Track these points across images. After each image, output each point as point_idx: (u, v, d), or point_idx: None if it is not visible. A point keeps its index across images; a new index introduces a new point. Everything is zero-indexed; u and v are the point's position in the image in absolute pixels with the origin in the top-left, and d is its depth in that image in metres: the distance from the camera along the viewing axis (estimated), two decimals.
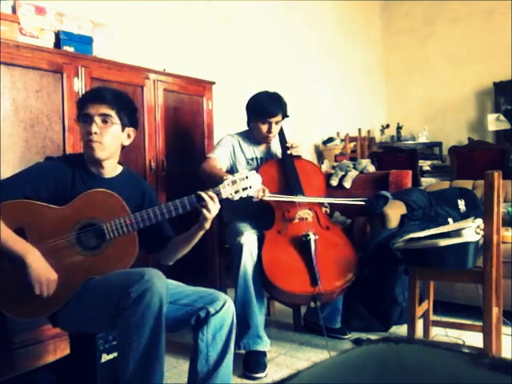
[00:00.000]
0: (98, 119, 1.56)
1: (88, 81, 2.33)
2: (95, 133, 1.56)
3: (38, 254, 1.46)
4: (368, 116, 6.01)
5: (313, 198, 2.43)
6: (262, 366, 2.12)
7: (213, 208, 1.58)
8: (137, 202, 1.70)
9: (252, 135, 2.57)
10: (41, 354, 2.09)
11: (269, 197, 2.21)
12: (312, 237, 2.22)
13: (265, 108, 2.44)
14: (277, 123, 2.47)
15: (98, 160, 1.60)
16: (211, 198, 1.57)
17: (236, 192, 1.61)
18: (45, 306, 1.50)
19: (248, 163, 2.52)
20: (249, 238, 2.22)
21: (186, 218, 1.68)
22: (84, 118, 1.57)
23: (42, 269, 1.45)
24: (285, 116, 2.50)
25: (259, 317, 2.20)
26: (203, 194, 1.57)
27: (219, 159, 2.44)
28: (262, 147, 2.59)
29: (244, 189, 1.61)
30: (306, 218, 2.36)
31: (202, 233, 1.66)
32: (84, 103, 1.59)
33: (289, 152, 2.47)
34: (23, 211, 1.47)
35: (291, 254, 2.25)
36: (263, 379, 2.06)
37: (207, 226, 1.63)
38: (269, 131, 2.46)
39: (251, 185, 1.62)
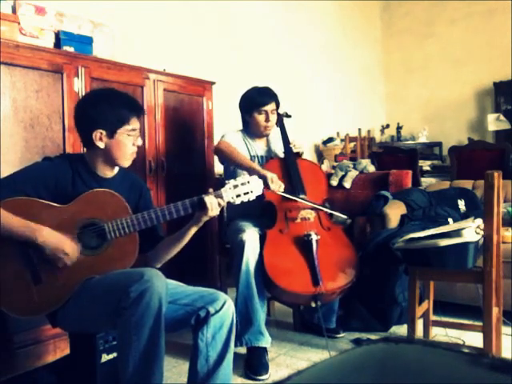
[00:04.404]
0: None
1: (88, 81, 2.33)
2: None
3: (46, 229, 1.46)
4: (368, 116, 6.01)
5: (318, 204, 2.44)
6: (264, 367, 2.12)
7: (213, 213, 1.59)
8: (134, 201, 1.71)
9: (250, 132, 2.58)
10: (41, 354, 2.09)
11: (282, 193, 2.26)
12: (314, 237, 2.22)
13: (258, 98, 2.50)
14: (272, 112, 2.51)
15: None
16: (219, 203, 1.59)
17: (237, 196, 1.62)
18: (45, 305, 1.50)
19: (251, 159, 2.53)
20: (251, 235, 2.22)
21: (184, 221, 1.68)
22: (132, 132, 1.62)
23: (55, 242, 1.46)
24: (278, 105, 2.55)
25: (261, 313, 2.21)
26: (206, 200, 1.57)
27: (232, 143, 2.47)
28: (262, 144, 2.61)
29: (245, 193, 1.62)
30: (308, 218, 2.36)
31: (195, 229, 1.66)
32: (132, 116, 1.60)
33: (295, 151, 2.49)
34: (25, 209, 1.47)
35: (293, 254, 2.25)
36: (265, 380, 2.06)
37: (202, 223, 1.64)
38: (267, 120, 2.50)
39: (252, 189, 1.63)
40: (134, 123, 1.61)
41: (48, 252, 1.46)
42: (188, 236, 1.67)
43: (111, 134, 1.58)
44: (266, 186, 2.20)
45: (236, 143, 2.49)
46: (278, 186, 2.22)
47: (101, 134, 1.57)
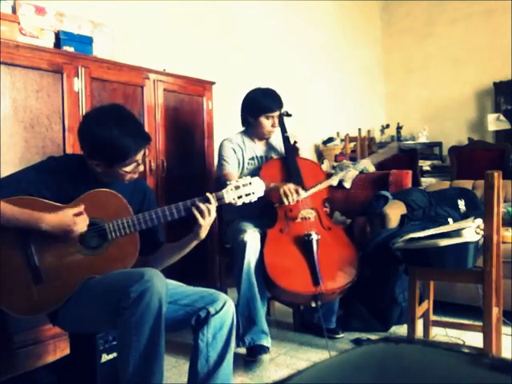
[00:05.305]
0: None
1: (88, 81, 2.33)
2: None
3: (47, 215, 1.45)
4: (368, 116, 6.01)
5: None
6: (264, 349, 2.18)
7: (207, 218, 1.58)
8: (138, 203, 1.70)
9: (251, 133, 2.57)
10: (41, 354, 2.09)
11: (305, 195, 2.26)
12: (314, 237, 2.22)
13: (269, 104, 2.46)
14: (278, 117, 2.50)
15: None
16: (208, 209, 1.57)
17: (239, 197, 1.62)
18: (45, 304, 1.50)
19: (248, 164, 2.52)
20: (252, 236, 2.23)
21: (183, 225, 1.68)
22: (133, 164, 1.56)
23: (58, 220, 1.44)
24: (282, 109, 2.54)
25: (262, 313, 2.23)
26: (200, 205, 1.57)
27: (234, 174, 2.45)
28: (262, 145, 2.60)
29: (247, 194, 1.62)
30: (309, 218, 2.36)
31: (195, 243, 1.66)
32: (133, 154, 1.53)
33: (288, 141, 2.50)
34: (27, 208, 1.47)
35: (293, 254, 2.25)
36: (263, 378, 2.07)
37: (202, 235, 1.62)
38: (273, 125, 2.49)
39: (254, 191, 1.63)
40: (136, 157, 1.55)
41: (56, 233, 1.45)
42: (188, 248, 1.68)
43: (109, 166, 1.54)
44: (282, 203, 2.20)
45: (232, 158, 2.48)
46: (294, 196, 2.21)
47: (98, 163, 1.54)
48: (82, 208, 1.49)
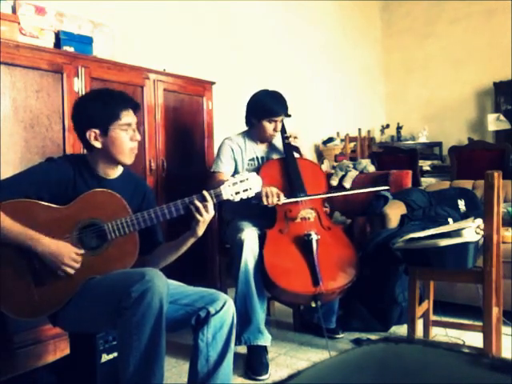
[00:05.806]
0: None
1: (88, 81, 2.33)
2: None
3: (46, 239, 1.45)
4: (368, 116, 6.01)
5: (328, 193, 2.47)
6: (264, 367, 2.12)
7: (205, 215, 1.58)
8: (137, 203, 1.70)
9: (253, 134, 2.57)
10: (41, 354, 2.09)
11: (284, 200, 2.23)
12: (314, 237, 2.21)
13: (273, 108, 2.45)
14: (281, 121, 2.49)
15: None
16: (205, 205, 1.58)
17: (237, 193, 1.62)
18: (45, 306, 1.50)
19: (248, 164, 2.52)
20: (250, 234, 2.22)
21: (183, 224, 1.68)
22: (127, 127, 1.61)
23: (54, 251, 1.45)
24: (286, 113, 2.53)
25: (260, 312, 2.21)
26: (198, 202, 1.57)
27: (225, 173, 2.44)
28: (263, 146, 2.60)
29: (245, 190, 1.62)
30: (309, 218, 2.36)
31: (193, 240, 1.66)
32: (122, 110, 1.59)
33: (287, 141, 2.48)
34: (25, 211, 1.47)
35: (293, 254, 2.25)
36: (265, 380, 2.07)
37: (199, 232, 1.62)
38: (275, 130, 2.48)
39: (251, 186, 1.63)
40: (127, 118, 1.60)
41: (48, 261, 1.45)
42: (185, 246, 1.68)
43: (105, 132, 1.58)
44: (261, 202, 2.18)
45: (227, 157, 2.48)
46: (274, 199, 2.19)
47: (94, 133, 1.57)
48: (81, 251, 1.51)
